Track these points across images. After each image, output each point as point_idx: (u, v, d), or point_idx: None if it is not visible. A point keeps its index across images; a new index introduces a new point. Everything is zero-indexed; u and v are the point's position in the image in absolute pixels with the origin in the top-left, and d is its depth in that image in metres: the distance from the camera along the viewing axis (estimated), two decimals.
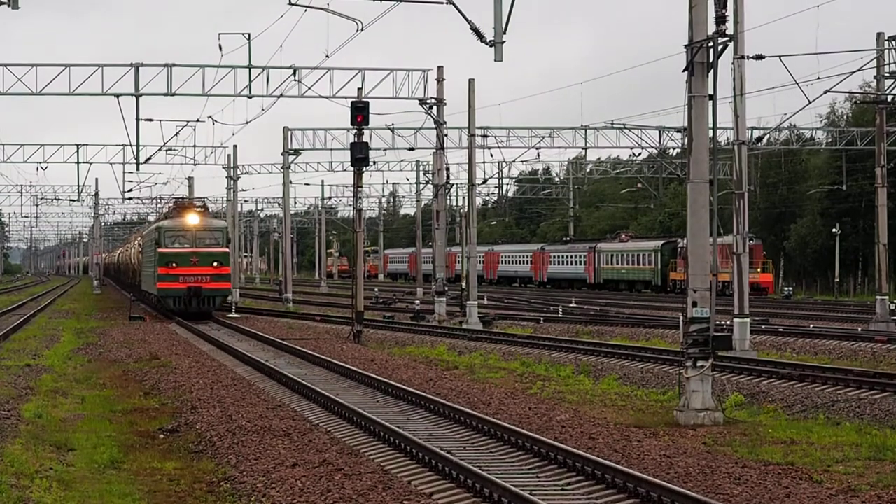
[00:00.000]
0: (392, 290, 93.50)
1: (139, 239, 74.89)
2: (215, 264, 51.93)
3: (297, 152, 63.95)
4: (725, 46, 20.31)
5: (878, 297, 44.50)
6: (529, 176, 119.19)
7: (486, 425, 18.23)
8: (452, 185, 56.82)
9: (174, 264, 51.67)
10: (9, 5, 31.77)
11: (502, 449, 16.91)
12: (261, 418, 20.10)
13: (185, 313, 51.39)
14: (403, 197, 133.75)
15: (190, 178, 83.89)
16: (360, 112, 38.77)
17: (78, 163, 69.16)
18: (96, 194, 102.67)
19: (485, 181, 76.52)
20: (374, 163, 73.63)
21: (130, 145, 50.13)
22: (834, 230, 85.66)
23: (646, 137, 64.98)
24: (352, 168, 40.51)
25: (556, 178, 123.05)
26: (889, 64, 43.63)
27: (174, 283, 51.62)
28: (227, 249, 53.33)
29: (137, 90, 46.47)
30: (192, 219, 53.09)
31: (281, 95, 46.67)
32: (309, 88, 46.53)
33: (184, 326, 47.96)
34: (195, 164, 66.78)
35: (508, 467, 15.55)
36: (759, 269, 76.50)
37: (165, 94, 46.49)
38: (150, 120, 52.29)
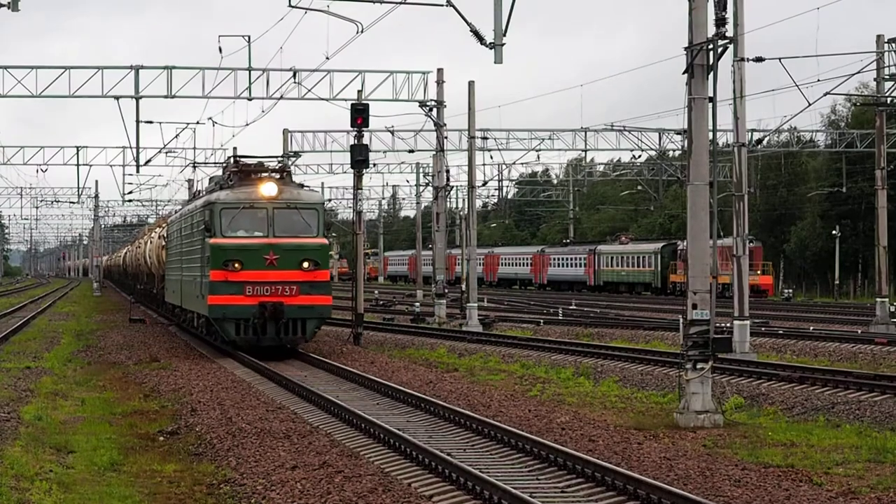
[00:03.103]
0: (392, 292, 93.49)
1: (159, 230, 56.09)
2: (307, 265, 31.45)
3: (297, 154, 63.82)
4: (725, 48, 20.31)
5: (878, 300, 44.50)
6: (529, 178, 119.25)
7: (486, 427, 18.23)
8: (452, 187, 56.81)
9: (237, 265, 31.26)
10: (9, 7, 31.77)
11: (502, 451, 16.90)
12: (261, 420, 20.10)
13: (255, 346, 31.33)
14: (403, 199, 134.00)
15: (190, 181, 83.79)
16: (359, 114, 38.80)
17: (78, 165, 69.07)
18: (96, 196, 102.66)
19: (485, 183, 76.50)
20: (374, 165, 73.45)
21: (130, 147, 50.00)
22: (834, 232, 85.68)
23: (646, 140, 65.02)
24: (352, 170, 40.53)
25: (556, 180, 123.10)
26: (889, 66, 43.65)
27: (237, 296, 31.21)
28: (325, 241, 32.48)
29: (137, 92, 46.42)
30: (268, 189, 32.02)
31: (281, 97, 46.64)
32: (309, 91, 46.49)
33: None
34: (195, 167, 66.73)
35: (508, 469, 15.55)
36: (759, 272, 76.56)
37: (165, 97, 46.45)
38: (150, 122, 52.20)
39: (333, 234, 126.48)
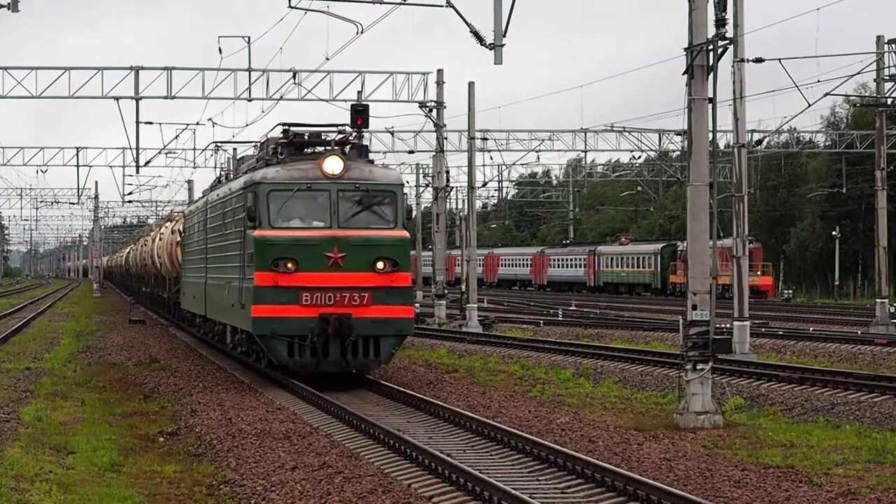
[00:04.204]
0: None
1: (170, 224, 49.39)
2: (382, 265, 24.51)
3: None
4: (725, 49, 20.32)
5: (878, 300, 44.51)
6: (529, 179, 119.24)
7: (485, 428, 18.23)
8: (452, 188, 56.87)
9: (290, 265, 24.32)
10: (9, 8, 31.78)
11: (502, 452, 16.90)
12: (260, 421, 20.10)
13: (313, 372, 24.36)
14: None
15: (190, 182, 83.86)
16: (359, 115, 38.70)
17: (78, 166, 69.07)
18: (96, 197, 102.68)
19: (484, 184, 76.58)
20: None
21: (130, 148, 50.09)
22: (834, 233, 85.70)
23: (646, 140, 65.05)
24: None
25: (555, 181, 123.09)
26: (889, 67, 43.66)
27: (290, 306, 24.18)
28: (405, 233, 25.28)
29: (137, 93, 46.46)
30: (331, 164, 24.88)
31: (281, 98, 46.66)
32: (309, 91, 46.53)
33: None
34: (195, 167, 66.74)
35: (508, 470, 15.55)
36: (758, 272, 76.63)
37: (165, 98, 46.47)
38: (150, 123, 52.24)
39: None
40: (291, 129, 26.37)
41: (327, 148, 25.77)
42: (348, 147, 25.86)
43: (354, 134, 27.44)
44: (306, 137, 26.36)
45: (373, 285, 24.31)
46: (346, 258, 24.32)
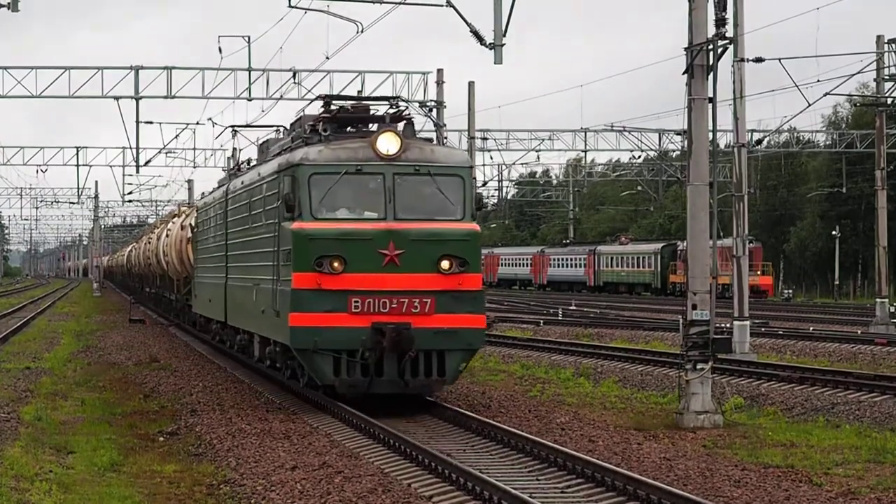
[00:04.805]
0: None
1: (179, 219, 46.03)
2: (447, 265, 20.62)
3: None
4: (725, 49, 20.32)
5: (878, 300, 44.53)
6: (529, 178, 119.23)
7: (485, 428, 18.23)
8: None
9: (337, 264, 20.41)
10: (9, 8, 31.78)
11: (502, 451, 16.91)
12: (260, 421, 20.10)
13: (364, 394, 20.42)
14: None
15: (190, 181, 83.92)
16: None
17: (78, 165, 69.10)
18: (96, 197, 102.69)
19: (484, 184, 76.48)
20: None
21: (130, 148, 50.11)
22: (834, 233, 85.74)
23: (645, 140, 65.07)
24: None
25: (555, 181, 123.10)
26: (889, 66, 43.68)
27: (337, 314, 20.29)
28: (475, 226, 21.23)
29: (137, 93, 46.47)
30: (385, 142, 20.88)
31: (281, 98, 46.67)
32: (308, 91, 46.51)
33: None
34: (195, 167, 66.76)
35: (508, 470, 15.55)
36: (758, 272, 76.66)
37: (165, 97, 46.48)
38: (150, 122, 52.25)
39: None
40: (333, 101, 22.72)
41: (372, 127, 21.91)
42: (402, 124, 21.65)
43: (408, 108, 22.44)
44: (357, 111, 22.38)
45: (437, 289, 20.30)
46: (404, 256, 20.31)
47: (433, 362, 20.36)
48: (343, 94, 23.60)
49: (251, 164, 28.14)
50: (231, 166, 30.97)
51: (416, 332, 20.01)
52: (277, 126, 28.65)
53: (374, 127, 21.91)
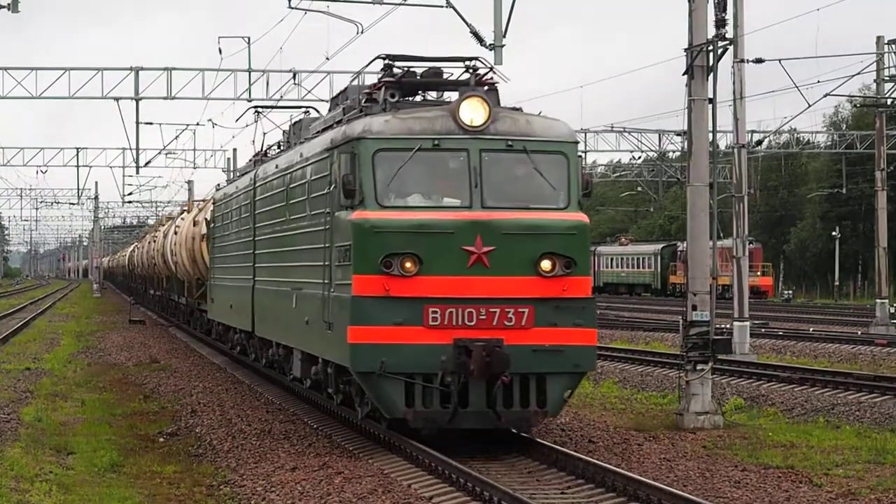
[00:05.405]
0: None
1: (190, 215, 41.85)
2: (548, 266, 16.37)
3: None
4: (725, 50, 20.32)
5: (878, 301, 44.54)
6: None
7: None
8: None
9: (409, 264, 16.14)
10: (9, 9, 31.80)
11: (502, 451, 16.88)
12: (260, 421, 20.11)
13: (440, 429, 16.21)
14: None
15: (190, 182, 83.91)
16: None
17: (78, 166, 69.18)
18: (96, 198, 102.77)
19: None
20: None
21: (130, 149, 50.15)
22: (834, 233, 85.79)
23: (646, 141, 65.06)
24: None
25: None
26: (889, 67, 43.70)
27: (410, 327, 16.08)
28: (583, 216, 16.82)
29: (137, 94, 46.48)
30: (469, 111, 16.61)
31: (281, 98, 46.67)
32: (309, 91, 46.53)
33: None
34: (195, 168, 66.83)
35: (508, 470, 15.53)
36: (759, 273, 76.70)
37: (165, 98, 46.49)
38: (150, 123, 52.31)
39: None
40: (396, 62, 18.32)
41: (442, 98, 18.27)
42: (490, 87, 17.53)
43: (491, 71, 17.90)
44: (428, 75, 18.27)
45: (536, 296, 16.27)
46: (495, 254, 16.19)
47: (531, 389, 16.29)
48: (408, 55, 18.40)
49: (281, 148, 24.69)
50: (257, 151, 27.19)
51: (511, 351, 15.95)
52: (307, 107, 26.52)
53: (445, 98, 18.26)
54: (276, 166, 22.09)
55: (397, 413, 16.14)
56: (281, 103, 36.74)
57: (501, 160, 16.61)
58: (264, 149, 26.99)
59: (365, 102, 17.91)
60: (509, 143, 16.65)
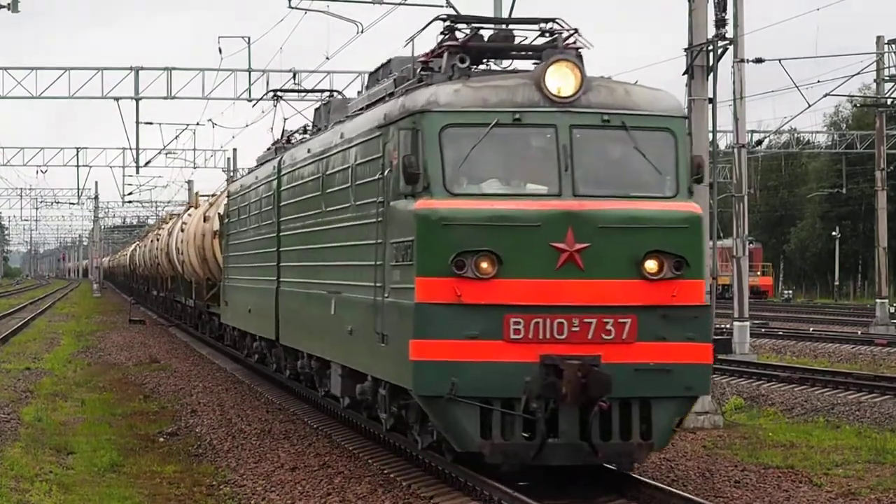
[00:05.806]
0: None
1: (200, 210, 38.26)
2: (654, 266, 13.14)
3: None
4: (725, 50, 20.38)
5: (878, 301, 44.59)
6: None
7: None
8: None
9: (486, 264, 12.90)
10: (9, 9, 31.80)
11: None
12: (260, 421, 20.11)
13: (522, 466, 13.09)
14: None
15: (190, 182, 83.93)
16: None
17: (78, 166, 69.25)
18: (96, 198, 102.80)
19: None
20: None
21: (130, 148, 50.29)
22: (834, 233, 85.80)
23: None
24: None
25: None
26: (889, 67, 43.73)
27: (488, 341, 12.86)
28: (695, 207, 13.58)
29: (137, 93, 46.51)
30: (560, 78, 13.29)
31: (281, 99, 46.65)
32: (309, 92, 46.53)
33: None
34: (195, 168, 66.82)
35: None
36: (759, 273, 76.71)
37: (165, 98, 46.52)
38: (150, 123, 52.35)
39: None
40: (458, 24, 14.87)
41: (518, 68, 15.12)
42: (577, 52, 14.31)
43: (576, 34, 14.66)
44: (501, 36, 15.07)
45: (640, 304, 13.25)
46: (590, 253, 13.15)
47: (633, 417, 13.29)
48: (473, 15, 15.50)
49: (308, 133, 21.79)
50: (278, 137, 24.65)
51: (611, 370, 12.97)
52: (331, 90, 24.20)
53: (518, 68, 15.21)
54: (308, 150, 19.00)
55: (471, 446, 13.14)
56: (303, 88, 33.43)
57: (596, 138, 13.59)
58: (286, 136, 24.08)
59: (421, 71, 14.81)
60: (605, 117, 13.61)
